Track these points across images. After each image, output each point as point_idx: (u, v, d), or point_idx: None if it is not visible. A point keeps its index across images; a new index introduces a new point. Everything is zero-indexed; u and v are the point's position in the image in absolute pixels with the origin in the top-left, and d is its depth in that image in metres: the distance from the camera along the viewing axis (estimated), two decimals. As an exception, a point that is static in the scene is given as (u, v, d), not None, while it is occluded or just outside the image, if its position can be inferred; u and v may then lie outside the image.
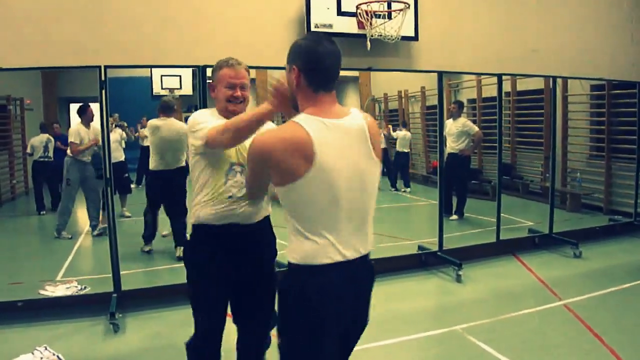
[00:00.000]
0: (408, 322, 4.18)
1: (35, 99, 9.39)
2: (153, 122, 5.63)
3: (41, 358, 3.65)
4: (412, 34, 5.33)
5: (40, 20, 4.45)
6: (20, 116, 9.65)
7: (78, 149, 6.40)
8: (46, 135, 7.70)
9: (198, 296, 2.64)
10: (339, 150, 1.84)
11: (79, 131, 6.41)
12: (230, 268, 2.56)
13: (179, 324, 4.19)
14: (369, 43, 5.06)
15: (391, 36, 5.06)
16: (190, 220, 2.66)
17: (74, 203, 6.65)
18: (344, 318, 1.96)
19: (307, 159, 1.79)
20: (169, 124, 5.58)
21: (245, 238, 2.56)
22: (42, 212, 8.07)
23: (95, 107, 6.22)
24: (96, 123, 6.16)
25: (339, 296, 1.89)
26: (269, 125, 2.41)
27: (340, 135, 1.86)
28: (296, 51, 1.92)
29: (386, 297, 4.76)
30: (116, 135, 6.99)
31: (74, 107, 7.48)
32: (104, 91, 4.33)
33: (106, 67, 4.29)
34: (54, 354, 3.71)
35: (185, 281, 2.67)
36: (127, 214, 7.29)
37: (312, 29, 5.04)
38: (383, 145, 9.99)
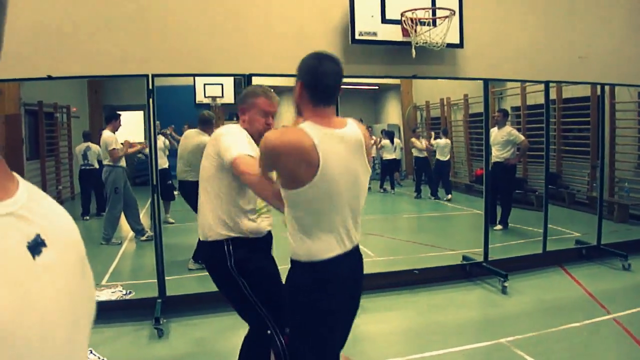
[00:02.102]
0: (453, 334, 4.11)
1: (81, 106, 9.64)
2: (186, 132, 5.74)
3: (88, 361, 3.71)
4: (457, 41, 5.26)
5: (89, 30, 4.56)
6: (67, 124, 9.91)
7: (118, 155, 6.49)
8: (85, 144, 7.88)
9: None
10: (340, 157, 2.05)
11: (116, 138, 6.53)
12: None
13: (223, 330, 4.22)
14: (413, 50, 5.01)
15: (436, 43, 5.01)
16: (228, 233, 2.64)
17: (121, 210, 6.77)
18: (348, 301, 2.24)
19: (312, 165, 1.98)
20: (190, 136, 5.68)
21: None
22: (85, 218, 8.24)
23: (134, 115, 6.40)
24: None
25: (344, 284, 2.14)
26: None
27: (340, 144, 2.07)
28: (302, 68, 2.14)
29: (430, 307, 4.71)
30: (159, 142, 7.09)
31: (125, 116, 7.66)
32: (151, 99, 4.39)
33: (154, 75, 4.37)
34: (98, 358, 3.77)
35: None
36: (171, 220, 7.37)
37: (357, 37, 5.03)
38: (422, 155, 9.93)
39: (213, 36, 4.85)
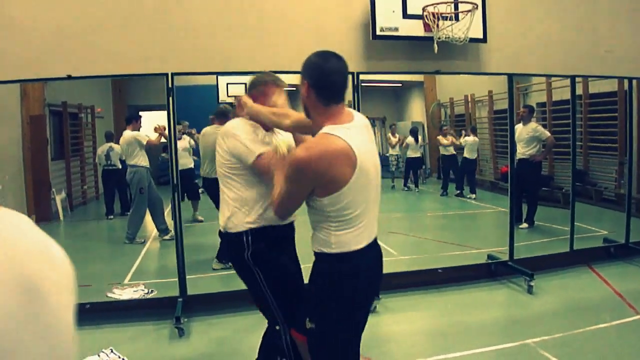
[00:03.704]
0: (478, 335, 4.02)
1: (105, 107, 9.73)
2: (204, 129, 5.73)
3: (108, 360, 3.72)
4: (481, 35, 5.17)
5: (109, 29, 4.58)
6: (92, 124, 10.01)
7: (154, 142, 6.49)
8: (108, 145, 7.93)
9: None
10: (365, 149, 2.05)
11: (141, 135, 6.56)
12: None
13: (244, 329, 4.19)
14: (436, 46, 4.94)
15: (459, 38, 4.92)
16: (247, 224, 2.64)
17: (146, 210, 6.80)
18: (372, 291, 2.28)
19: (351, 165, 1.97)
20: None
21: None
22: (110, 217, 8.31)
23: (156, 114, 6.41)
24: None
25: (370, 274, 2.18)
26: (286, 135, 2.63)
27: (361, 136, 2.08)
28: (306, 68, 2.11)
29: (455, 307, 4.63)
30: (185, 142, 7.10)
31: (147, 116, 7.71)
32: (171, 98, 4.38)
33: (173, 74, 4.35)
34: (119, 357, 3.77)
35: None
36: (200, 218, 7.38)
37: (378, 33, 4.98)
38: (448, 152, 9.81)
39: (232, 34, 4.83)
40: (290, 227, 2.81)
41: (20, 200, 7.95)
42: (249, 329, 4.10)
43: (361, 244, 2.11)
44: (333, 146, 1.96)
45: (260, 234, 2.61)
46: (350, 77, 4.73)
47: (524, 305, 4.68)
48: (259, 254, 2.63)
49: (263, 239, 2.62)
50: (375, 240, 2.22)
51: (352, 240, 2.09)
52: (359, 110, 4.65)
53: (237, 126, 2.68)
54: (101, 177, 8.65)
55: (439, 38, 4.95)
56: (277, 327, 2.71)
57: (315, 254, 2.20)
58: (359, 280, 2.12)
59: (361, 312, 2.25)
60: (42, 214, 8.20)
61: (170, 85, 4.36)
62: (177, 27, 4.70)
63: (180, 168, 5.90)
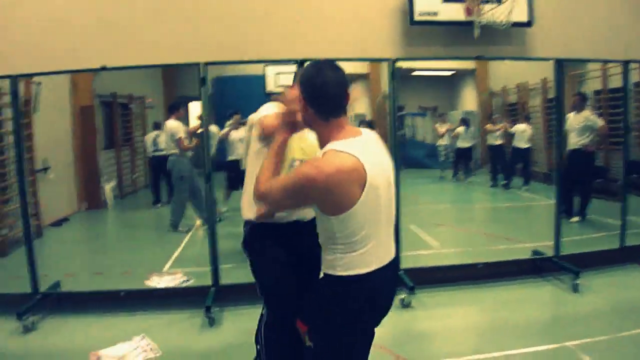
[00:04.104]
0: (515, 335, 3.82)
1: (156, 97, 9.90)
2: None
3: (136, 348, 3.75)
4: (526, 19, 4.92)
5: (143, 20, 4.63)
6: (142, 114, 10.22)
7: (187, 147, 6.57)
8: (155, 132, 8.03)
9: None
10: (376, 163, 1.93)
11: (182, 127, 6.61)
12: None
13: (273, 321, 4.14)
14: (477, 30, 4.73)
15: (501, 22, 4.69)
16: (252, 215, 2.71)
17: (187, 198, 6.86)
18: (379, 316, 2.12)
19: (360, 184, 1.85)
20: None
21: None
22: (157, 205, 8.45)
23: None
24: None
25: (378, 299, 2.04)
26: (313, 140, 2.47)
27: (371, 149, 1.96)
28: (301, 80, 1.97)
29: (494, 304, 4.44)
30: (239, 133, 7.11)
31: (192, 105, 7.80)
32: (203, 88, 4.36)
33: (206, 63, 4.32)
34: (148, 345, 3.79)
35: None
36: None
37: (416, 18, 4.83)
38: (497, 142, 9.51)
39: (267, 23, 4.78)
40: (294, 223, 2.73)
41: (70, 188, 8.19)
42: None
43: (370, 266, 1.96)
44: (345, 166, 1.83)
45: (262, 226, 2.70)
46: (387, 65, 4.61)
47: (567, 304, 4.43)
48: (253, 244, 2.76)
49: (263, 230, 2.71)
50: (389, 264, 2.05)
51: (360, 262, 1.95)
52: (394, 100, 4.57)
53: (263, 106, 2.79)
54: (149, 164, 8.84)
55: (480, 22, 4.73)
56: (262, 313, 2.87)
57: (322, 275, 2.07)
58: (363, 305, 1.99)
59: (363, 337, 2.11)
60: (92, 202, 8.43)
61: (202, 75, 4.34)
62: (210, 16, 4.69)
63: (236, 158, 6.04)
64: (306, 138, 2.59)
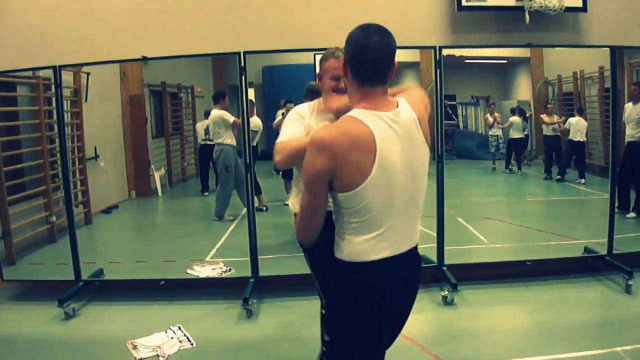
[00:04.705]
0: (562, 338, 3.62)
1: (206, 86, 9.98)
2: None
3: (172, 338, 3.76)
4: (580, 4, 4.64)
5: (182, 9, 4.66)
6: (192, 103, 10.33)
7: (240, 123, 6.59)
8: (207, 121, 8.07)
9: None
10: (396, 144, 1.78)
11: (229, 114, 6.62)
12: None
13: (312, 315, 4.04)
14: (527, 16, 4.51)
15: (553, 7, 4.45)
16: None
17: (232, 188, 6.87)
18: (395, 308, 1.96)
19: (371, 157, 1.73)
20: None
21: None
22: (205, 194, 8.53)
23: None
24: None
25: (390, 289, 1.89)
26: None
27: (395, 128, 1.79)
28: (346, 41, 1.85)
29: (542, 304, 4.23)
30: None
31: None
32: (243, 77, 4.32)
33: (245, 52, 4.28)
34: (184, 335, 3.80)
35: None
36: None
37: (464, 3, 4.65)
38: (552, 133, 9.16)
39: (307, 10, 4.70)
40: None
41: (120, 176, 8.36)
42: (317, 315, 3.96)
43: (381, 254, 1.83)
44: (353, 130, 1.72)
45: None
46: (432, 51, 4.45)
47: (619, 306, 4.18)
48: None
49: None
50: (405, 254, 1.90)
51: (369, 249, 1.82)
52: (441, 90, 4.41)
53: (297, 107, 2.66)
54: (198, 152, 8.92)
55: (531, 7, 4.50)
56: (323, 312, 2.71)
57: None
58: (369, 296, 1.85)
59: (379, 330, 1.95)
60: (141, 190, 8.58)
61: (242, 65, 4.29)
62: (250, 4, 4.63)
63: None
64: None
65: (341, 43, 2.81)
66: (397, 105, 1.84)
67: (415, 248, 1.98)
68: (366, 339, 1.91)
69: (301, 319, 4.12)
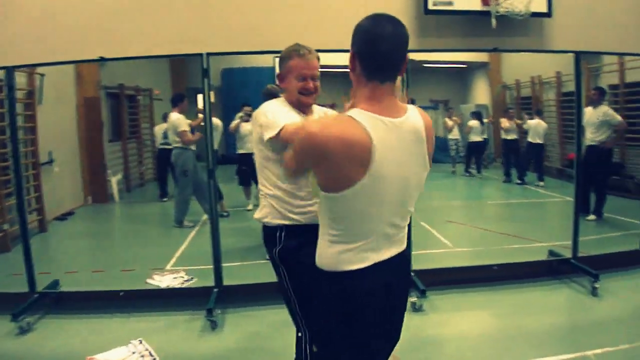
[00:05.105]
0: (532, 342, 3.62)
1: (164, 89, 9.78)
2: None
3: (134, 353, 3.59)
4: (545, 9, 4.70)
5: (143, 10, 4.51)
6: (149, 106, 10.10)
7: (190, 139, 6.43)
8: (164, 124, 7.90)
9: None
10: (394, 154, 1.68)
11: (185, 120, 6.46)
12: None
13: (279, 324, 3.98)
14: (494, 20, 4.54)
15: (520, 12, 4.48)
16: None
17: (191, 193, 6.70)
18: (386, 314, 1.85)
19: (363, 165, 1.62)
20: None
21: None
22: (164, 199, 8.33)
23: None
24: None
25: (379, 296, 1.79)
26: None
27: (397, 137, 1.69)
28: (354, 31, 1.73)
29: (509, 309, 4.23)
30: (250, 126, 6.98)
31: (201, 98, 7.64)
32: (206, 79, 4.19)
33: (208, 54, 4.16)
34: (146, 349, 3.64)
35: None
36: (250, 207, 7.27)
37: (430, 7, 4.67)
38: (510, 136, 9.30)
39: (272, 13, 4.63)
40: None
41: (76, 182, 8.09)
42: (284, 325, 3.85)
43: (364, 262, 1.75)
44: (350, 135, 1.60)
45: (294, 232, 2.38)
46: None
47: (586, 309, 4.21)
48: (288, 253, 2.40)
49: (296, 237, 2.37)
50: (391, 259, 1.81)
51: (351, 258, 1.74)
52: (402, 92, 4.36)
53: (271, 104, 2.47)
54: (157, 156, 8.70)
55: (498, 12, 4.52)
56: (299, 334, 2.49)
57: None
58: (356, 306, 1.76)
59: (367, 339, 1.84)
60: (98, 195, 8.34)
61: (205, 67, 4.17)
62: (214, 6, 4.52)
63: (246, 151, 6.23)
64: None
65: (307, 45, 2.74)
66: (406, 111, 1.75)
67: (403, 253, 1.89)
68: (355, 346, 1.81)
69: (268, 329, 4.00)
